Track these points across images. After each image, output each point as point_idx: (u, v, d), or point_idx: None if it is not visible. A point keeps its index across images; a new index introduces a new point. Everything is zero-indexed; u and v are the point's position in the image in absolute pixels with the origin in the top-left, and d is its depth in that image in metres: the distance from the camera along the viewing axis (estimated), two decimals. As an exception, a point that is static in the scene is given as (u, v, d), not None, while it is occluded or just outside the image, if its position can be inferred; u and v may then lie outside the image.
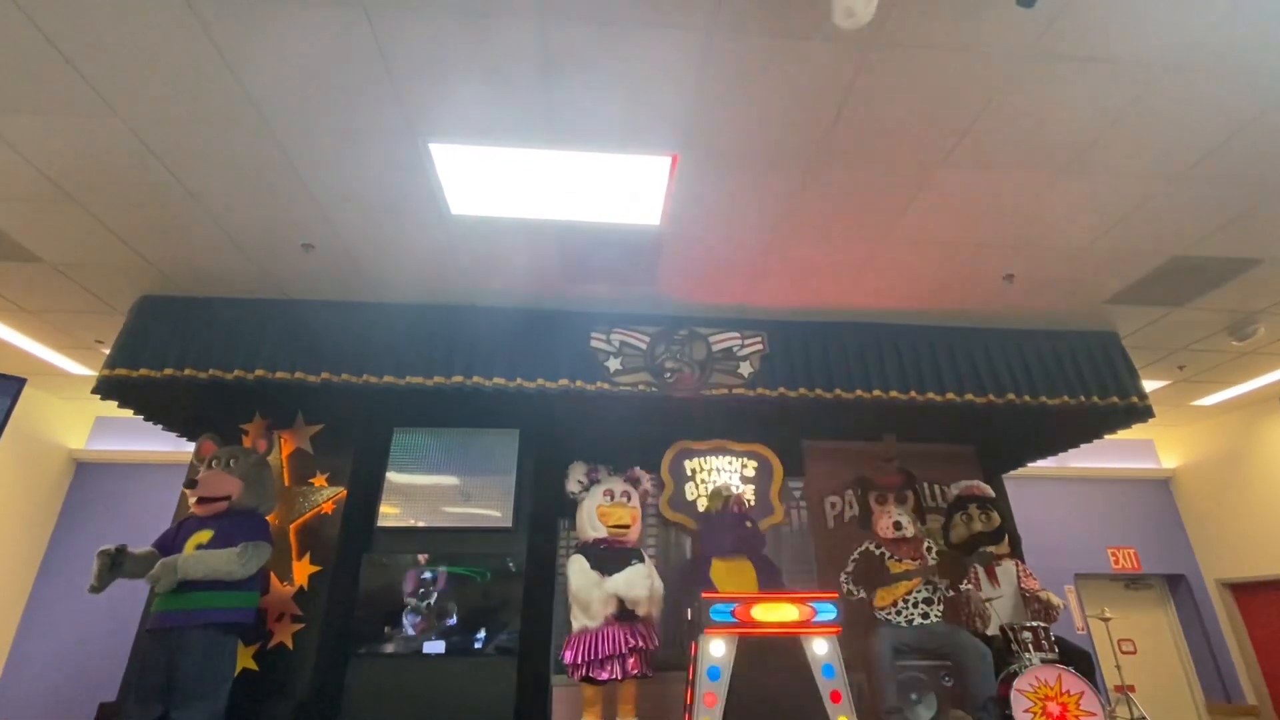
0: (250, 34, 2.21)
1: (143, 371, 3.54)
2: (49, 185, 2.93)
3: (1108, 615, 4.07)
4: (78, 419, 5.83)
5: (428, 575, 3.79)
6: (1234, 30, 2.22)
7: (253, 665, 3.36)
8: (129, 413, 3.98)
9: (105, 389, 3.63)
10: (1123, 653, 5.94)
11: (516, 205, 3.06)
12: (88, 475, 5.75)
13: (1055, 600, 3.45)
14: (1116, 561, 6.34)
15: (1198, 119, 2.59)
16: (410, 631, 3.66)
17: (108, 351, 3.74)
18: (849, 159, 2.81)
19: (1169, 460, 6.80)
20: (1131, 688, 3.87)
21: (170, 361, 3.57)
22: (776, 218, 3.19)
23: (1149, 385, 4.67)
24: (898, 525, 3.60)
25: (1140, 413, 4.11)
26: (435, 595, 3.74)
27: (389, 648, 3.62)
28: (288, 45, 2.26)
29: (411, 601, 3.71)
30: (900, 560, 3.54)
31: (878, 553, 3.60)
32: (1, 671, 5.04)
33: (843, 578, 3.62)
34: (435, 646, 3.64)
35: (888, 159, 2.81)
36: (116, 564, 2.93)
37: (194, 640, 2.87)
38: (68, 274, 3.65)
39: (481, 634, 3.68)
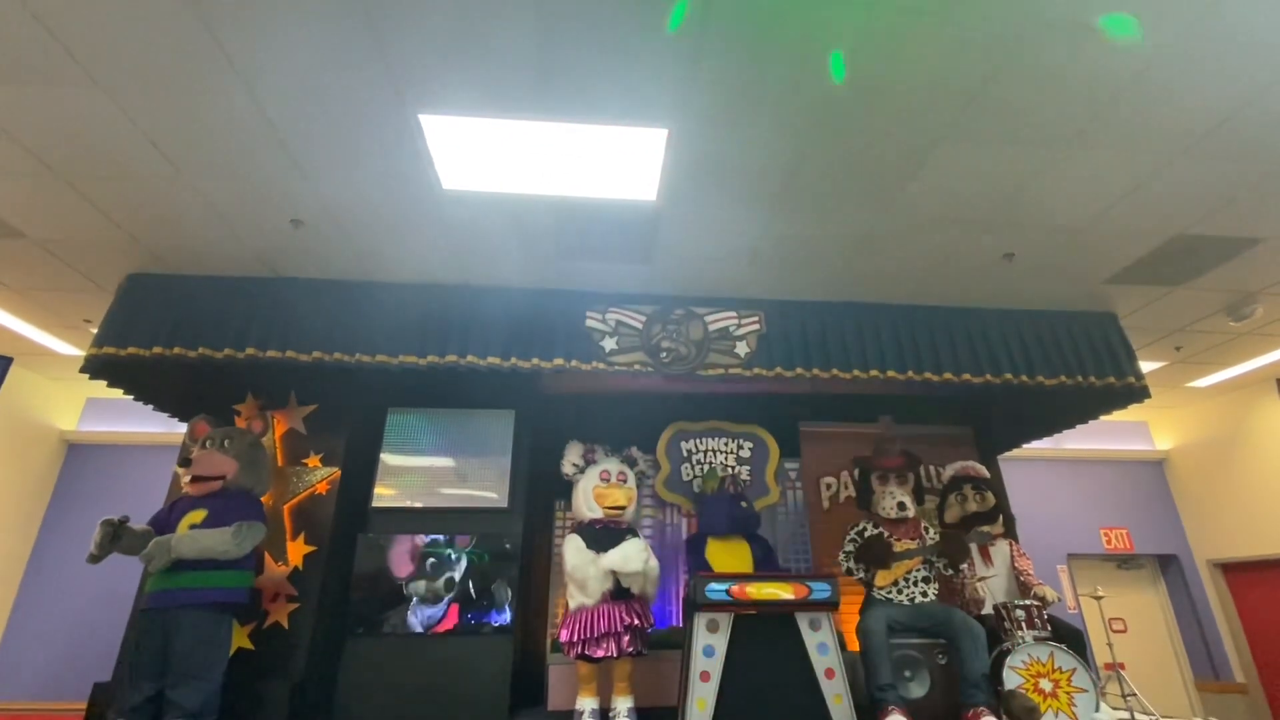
0: (234, 1, 2.14)
1: (131, 350, 3.49)
2: (30, 158, 2.86)
3: (1100, 594, 4.09)
4: (68, 400, 5.78)
5: (450, 555, 3.77)
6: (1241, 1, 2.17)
7: (248, 645, 3.36)
8: (119, 393, 3.94)
9: (94, 368, 3.58)
10: (1114, 631, 6.01)
11: (510, 180, 3.00)
12: (80, 457, 5.71)
13: (1051, 596, 3.46)
14: (1109, 542, 6.40)
15: (1203, 93, 2.54)
16: (416, 620, 3.65)
17: (96, 331, 3.68)
18: (847, 134, 2.75)
19: (1162, 442, 6.84)
20: (1122, 665, 3.90)
21: (159, 340, 3.52)
22: (774, 194, 3.14)
23: (1145, 366, 4.67)
24: (901, 506, 3.60)
25: (1137, 393, 4.11)
26: (451, 575, 3.72)
27: (385, 627, 3.62)
28: (272, 11, 2.18)
29: (420, 586, 3.69)
30: (900, 540, 3.55)
31: (876, 531, 3.60)
32: (-3, 652, 5.05)
33: (841, 556, 3.62)
34: (436, 612, 3.64)
35: (887, 134, 2.75)
36: (118, 535, 2.92)
37: (189, 620, 2.86)
38: (53, 251, 3.59)
39: (478, 613, 3.68)
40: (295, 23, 2.23)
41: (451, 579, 3.71)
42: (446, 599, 3.67)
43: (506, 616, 3.67)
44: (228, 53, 2.33)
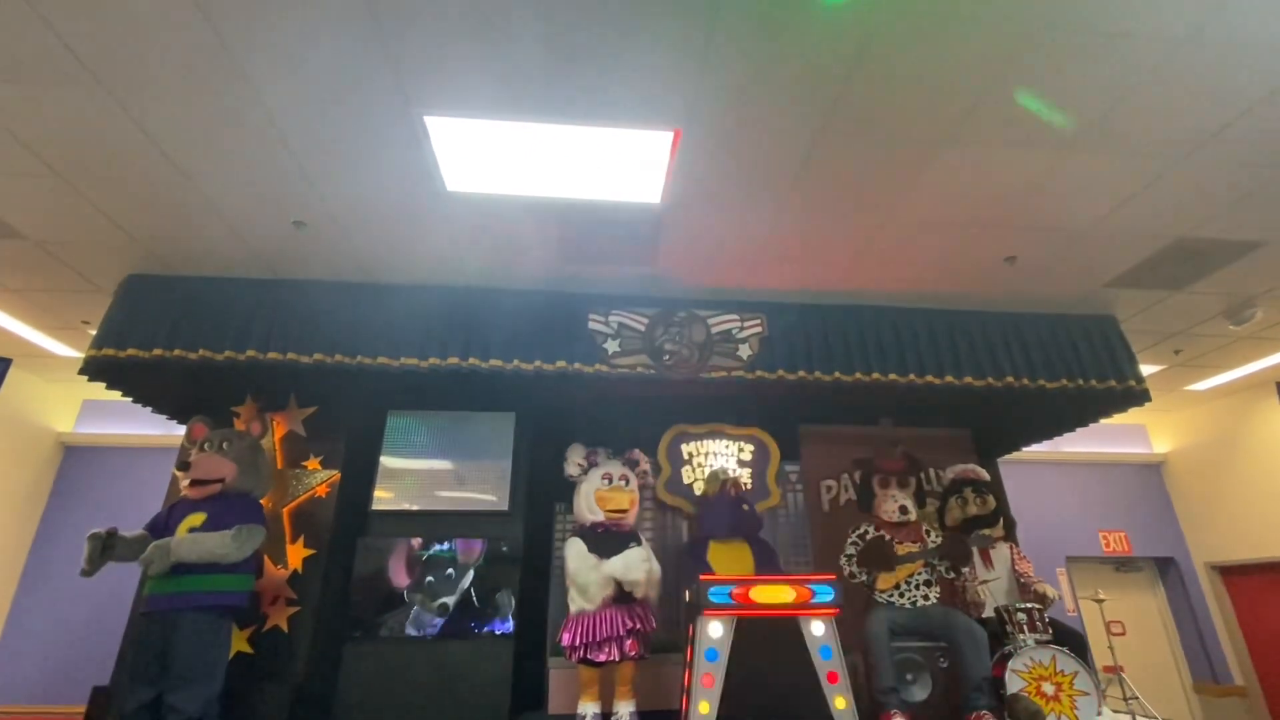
0: (239, 1, 2.13)
1: (130, 352, 3.47)
2: (30, 157, 2.84)
3: (1102, 596, 4.10)
4: (65, 402, 5.74)
5: (450, 573, 3.70)
6: (1248, 3, 2.18)
7: (247, 648, 3.34)
8: (117, 395, 3.91)
9: (92, 370, 3.55)
10: (1112, 634, 6.02)
11: (514, 182, 3.00)
12: (76, 459, 5.67)
13: (1051, 593, 3.47)
14: (1107, 544, 6.40)
15: (1209, 96, 2.55)
16: (418, 627, 3.61)
17: (94, 333, 3.66)
18: (852, 137, 2.76)
19: (1161, 445, 6.85)
20: (1122, 668, 3.91)
21: (159, 342, 3.50)
22: (778, 197, 3.14)
23: (1145, 369, 4.68)
24: (903, 510, 3.59)
25: (1137, 396, 4.12)
26: (454, 595, 3.67)
27: (385, 631, 3.60)
28: (278, 12, 2.17)
29: (419, 597, 3.64)
30: (902, 543, 3.54)
31: (878, 535, 3.60)
32: (-8, 656, 5.01)
33: (843, 560, 3.61)
34: (432, 630, 3.62)
35: (892, 137, 2.76)
36: (108, 547, 2.89)
37: (188, 623, 2.84)
38: (52, 251, 3.56)
39: (479, 623, 3.66)
40: (301, 24, 2.22)
41: (445, 604, 3.63)
42: (440, 621, 3.62)
43: (509, 625, 3.65)
44: (232, 53, 2.32)
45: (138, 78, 2.43)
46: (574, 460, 3.73)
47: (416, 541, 3.78)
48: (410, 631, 3.59)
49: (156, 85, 2.46)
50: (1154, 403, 4.43)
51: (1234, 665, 5.93)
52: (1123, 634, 6.22)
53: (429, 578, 3.70)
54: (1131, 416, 5.89)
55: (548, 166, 2.89)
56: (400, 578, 3.69)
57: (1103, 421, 4.67)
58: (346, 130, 2.69)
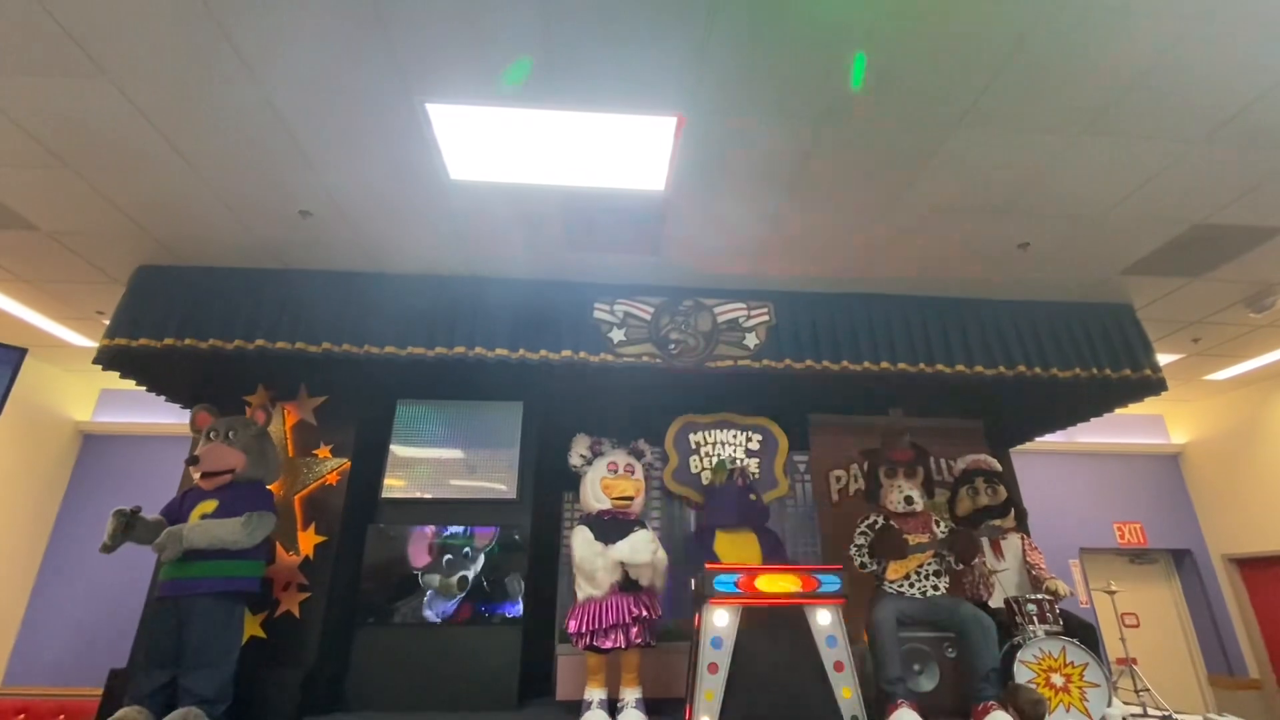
0: (239, -13, 2.13)
1: (142, 342, 3.52)
2: (39, 149, 2.87)
3: (1114, 588, 4.06)
4: (83, 391, 5.85)
5: (466, 551, 3.77)
6: (1271, -21, 2.11)
7: (260, 633, 3.39)
8: (133, 384, 3.97)
9: (106, 359, 3.61)
10: (1126, 626, 5.96)
11: (518, 170, 2.98)
12: (94, 447, 5.78)
13: (1063, 590, 3.42)
14: (1122, 536, 6.33)
15: (1227, 76, 2.47)
16: (432, 609, 3.66)
17: (108, 322, 3.71)
18: (860, 122, 2.71)
19: (1178, 435, 6.74)
20: (1134, 660, 3.86)
21: (170, 332, 3.54)
22: (785, 183, 3.10)
23: (1162, 359, 4.60)
24: (908, 500, 3.56)
25: (1153, 386, 4.04)
26: (471, 570, 3.73)
27: (396, 617, 3.64)
28: (279, 1, 2.17)
29: (434, 580, 3.70)
30: (910, 534, 3.51)
31: (888, 523, 3.57)
32: (14, 641, 5.13)
33: (853, 550, 3.59)
34: (446, 611, 3.66)
35: (901, 120, 2.71)
36: (130, 525, 2.95)
37: (201, 608, 2.90)
38: (64, 243, 3.61)
39: (491, 605, 3.69)
40: (302, 12, 2.21)
41: (465, 578, 3.71)
42: (459, 597, 3.69)
43: (519, 608, 3.69)
44: (235, 43, 2.32)
45: (144, 71, 2.43)
46: (578, 451, 3.73)
47: (429, 530, 3.82)
48: (426, 613, 3.64)
49: (162, 78, 2.47)
50: (1171, 392, 4.36)
51: (1250, 658, 5.85)
52: (1137, 626, 6.17)
53: (447, 556, 3.76)
54: (1149, 406, 5.78)
55: (550, 154, 2.87)
56: (421, 557, 3.75)
57: (1119, 411, 4.60)
58: (350, 119, 2.68)
